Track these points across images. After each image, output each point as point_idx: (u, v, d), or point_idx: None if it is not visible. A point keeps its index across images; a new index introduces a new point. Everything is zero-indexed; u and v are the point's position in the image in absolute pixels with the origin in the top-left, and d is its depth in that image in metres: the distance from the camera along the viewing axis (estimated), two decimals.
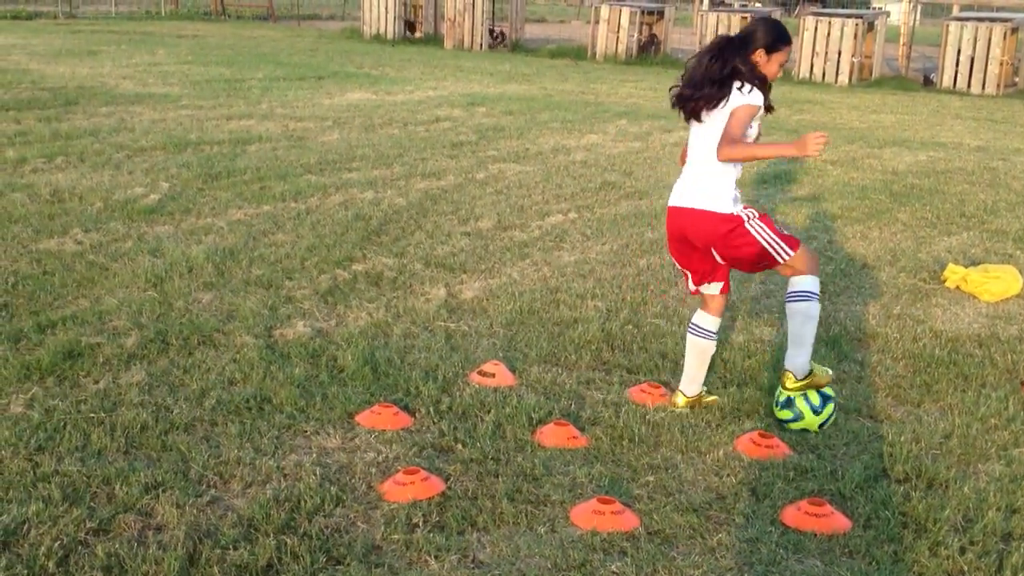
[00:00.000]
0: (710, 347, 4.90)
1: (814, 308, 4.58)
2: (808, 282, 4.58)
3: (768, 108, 4.61)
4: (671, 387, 5.11)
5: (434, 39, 29.87)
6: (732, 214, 4.53)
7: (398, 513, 3.78)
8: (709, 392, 5.02)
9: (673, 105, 4.67)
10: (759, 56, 4.56)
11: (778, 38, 4.60)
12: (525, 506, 3.89)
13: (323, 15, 42.27)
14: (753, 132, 4.61)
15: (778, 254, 4.52)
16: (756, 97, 4.51)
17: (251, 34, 30.85)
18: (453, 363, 5.26)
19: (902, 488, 4.16)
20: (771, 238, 4.51)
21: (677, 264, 4.89)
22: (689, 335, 4.92)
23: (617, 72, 24.00)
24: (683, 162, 4.80)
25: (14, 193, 8.43)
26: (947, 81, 23.44)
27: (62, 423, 4.35)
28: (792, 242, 4.55)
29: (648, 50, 27.47)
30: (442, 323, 5.90)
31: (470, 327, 5.87)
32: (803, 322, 4.60)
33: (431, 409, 4.70)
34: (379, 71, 20.77)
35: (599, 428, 4.61)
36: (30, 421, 4.35)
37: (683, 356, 5.56)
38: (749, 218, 4.53)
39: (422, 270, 6.91)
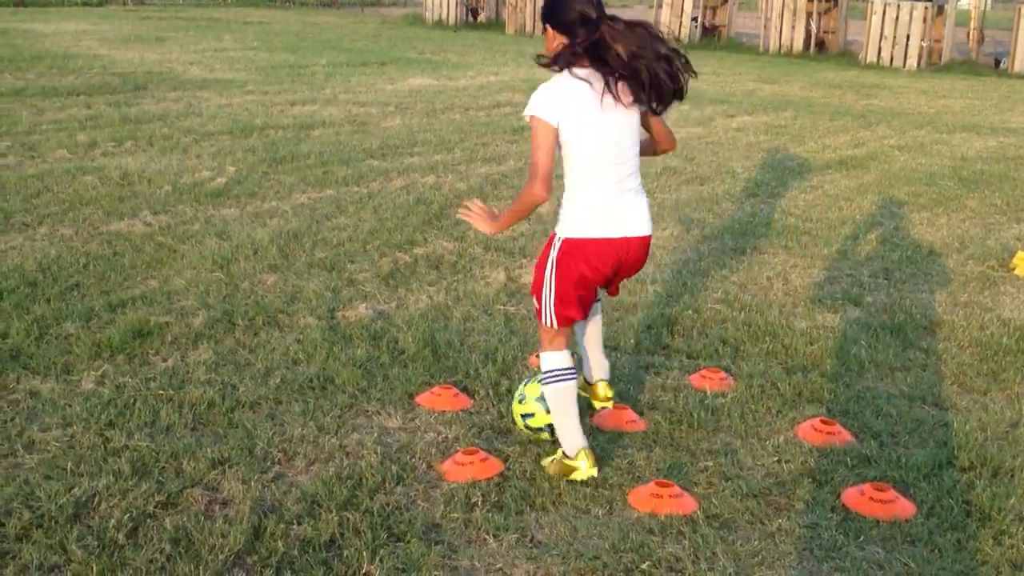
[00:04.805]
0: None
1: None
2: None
3: None
4: (732, 372, 5.08)
5: (496, 24, 29.87)
6: None
7: (457, 492, 3.82)
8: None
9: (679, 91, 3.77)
10: None
11: None
12: (583, 488, 3.90)
13: (386, 1, 42.49)
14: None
15: None
16: None
17: (315, 20, 31.12)
18: (512, 346, 5.28)
19: (966, 476, 4.10)
20: None
21: (580, 302, 3.93)
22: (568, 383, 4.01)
23: None
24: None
25: (85, 176, 8.63)
26: (1019, 66, 22.90)
27: (132, 399, 4.46)
28: None
29: (708, 33, 27.22)
30: (501, 306, 5.93)
31: (529, 311, 5.89)
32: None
33: (490, 391, 4.74)
34: (441, 57, 20.84)
35: (658, 412, 4.61)
36: (101, 397, 4.47)
37: (741, 343, 5.56)
38: None
39: (482, 254, 6.94)
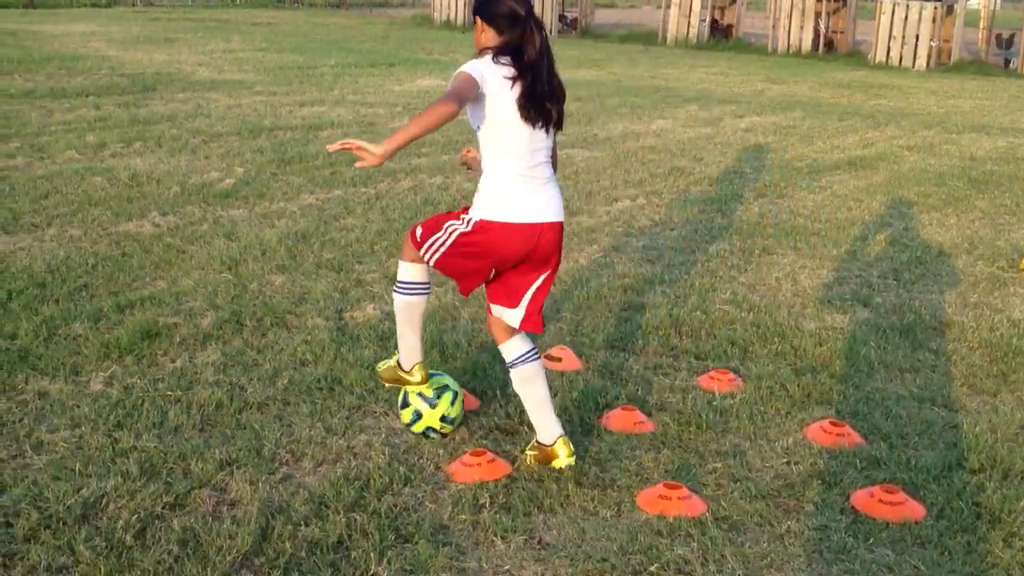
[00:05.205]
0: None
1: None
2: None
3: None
4: (740, 373, 5.07)
5: None
6: None
7: (465, 494, 3.82)
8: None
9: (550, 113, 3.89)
10: None
11: None
12: (591, 490, 3.89)
13: (394, 2, 42.52)
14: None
15: None
16: None
17: (323, 21, 31.16)
18: None
19: (976, 478, 4.08)
20: None
21: (468, 275, 3.99)
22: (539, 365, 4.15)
23: (688, 57, 23.78)
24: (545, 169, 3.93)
25: (94, 177, 8.64)
26: None
27: (140, 400, 4.46)
28: None
29: (718, 31, 27.20)
30: None
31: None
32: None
33: (498, 392, 4.73)
34: (449, 57, 20.84)
35: (666, 414, 4.60)
36: (109, 398, 4.47)
37: (750, 344, 5.53)
38: None
39: None
